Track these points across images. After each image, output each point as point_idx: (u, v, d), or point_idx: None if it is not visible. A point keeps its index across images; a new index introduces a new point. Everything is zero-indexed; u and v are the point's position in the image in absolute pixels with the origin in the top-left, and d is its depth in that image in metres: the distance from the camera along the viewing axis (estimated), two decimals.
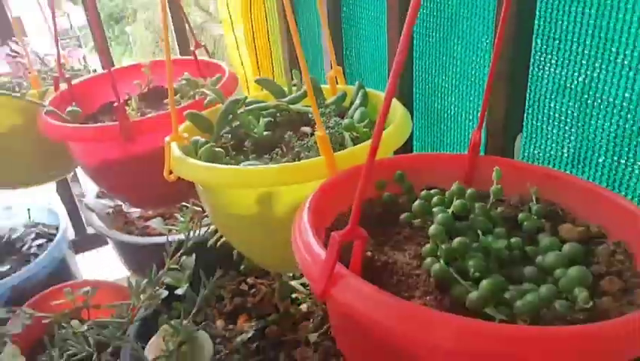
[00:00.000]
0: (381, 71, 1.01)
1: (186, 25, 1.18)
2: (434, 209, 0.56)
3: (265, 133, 0.82)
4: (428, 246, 0.50)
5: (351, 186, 0.61)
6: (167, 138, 0.73)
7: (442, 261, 0.47)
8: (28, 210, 1.39)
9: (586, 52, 0.61)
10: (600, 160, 0.63)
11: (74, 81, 1.06)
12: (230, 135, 0.81)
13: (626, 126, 0.58)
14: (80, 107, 1.01)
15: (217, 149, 0.74)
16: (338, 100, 0.85)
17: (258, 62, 1.38)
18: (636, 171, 0.58)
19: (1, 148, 1.05)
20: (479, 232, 0.53)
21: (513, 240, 0.52)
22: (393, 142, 0.68)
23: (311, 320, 1.05)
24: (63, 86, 1.04)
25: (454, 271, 0.47)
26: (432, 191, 0.60)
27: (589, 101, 0.62)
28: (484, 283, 0.44)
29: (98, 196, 1.35)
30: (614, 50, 0.58)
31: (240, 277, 1.22)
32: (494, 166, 0.61)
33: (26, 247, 1.30)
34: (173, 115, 0.72)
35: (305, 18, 1.29)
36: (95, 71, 1.19)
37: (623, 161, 0.60)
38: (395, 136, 0.69)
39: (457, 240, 0.49)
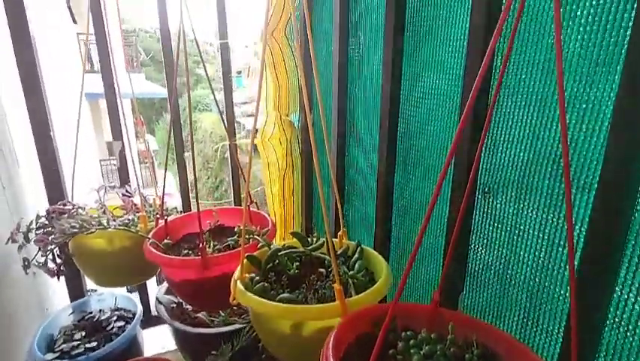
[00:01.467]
0: (370, 232, 1.08)
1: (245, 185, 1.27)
2: (411, 350, 0.61)
3: (296, 272, 0.88)
4: None
5: (354, 325, 0.66)
6: (234, 276, 0.78)
7: None
8: (115, 298, 1.38)
9: (500, 240, 0.69)
10: (514, 318, 0.68)
11: (169, 219, 1.12)
12: (273, 272, 0.86)
13: (530, 300, 0.65)
14: (170, 237, 1.07)
15: (265, 284, 0.79)
16: (344, 252, 0.92)
17: (285, 210, 1.48)
18: (539, 330, 0.64)
19: (113, 262, 1.09)
20: None
21: None
22: (383, 292, 0.74)
23: None
24: (161, 222, 1.10)
25: None
26: (408, 333, 0.66)
27: (505, 278, 0.69)
28: None
29: (166, 293, 1.36)
30: (518, 245, 0.66)
31: None
32: (448, 317, 0.67)
33: (110, 326, 1.28)
34: (241, 262, 0.78)
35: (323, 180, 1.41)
36: (181, 211, 1.27)
37: (529, 322, 0.65)
38: (384, 288, 0.75)
39: None
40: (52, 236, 1.02)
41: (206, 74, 1.16)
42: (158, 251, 0.97)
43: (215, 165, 10.36)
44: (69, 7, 4.84)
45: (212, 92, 1.23)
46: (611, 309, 0.52)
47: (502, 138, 0.66)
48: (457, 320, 0.66)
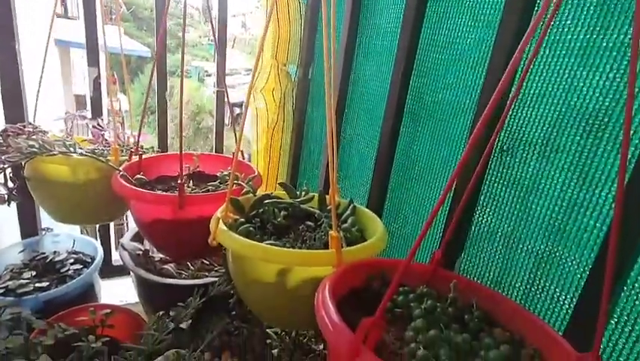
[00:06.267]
0: (365, 192, 1.02)
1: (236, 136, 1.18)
2: (412, 304, 0.55)
3: (283, 221, 0.81)
4: (411, 333, 0.49)
5: (352, 276, 0.60)
6: (218, 213, 0.70)
7: (422, 347, 0.46)
8: (74, 240, 1.26)
9: (512, 203, 0.65)
10: (517, 285, 0.65)
11: (144, 157, 1.02)
12: (258, 219, 0.79)
13: (539, 266, 0.61)
14: (143, 174, 0.97)
15: (250, 228, 0.72)
16: (335, 208, 0.86)
17: (269, 167, 1.40)
18: (542, 298, 0.60)
19: (75, 195, 0.98)
20: (442, 326, 0.53)
21: (464, 335, 0.52)
22: (379, 247, 0.69)
23: None
24: (134, 158, 1.00)
25: (431, 356, 0.45)
26: (406, 288, 0.61)
27: (512, 244, 0.65)
28: None
29: (132, 240, 1.26)
30: (532, 207, 0.62)
31: (229, 319, 1.12)
32: (448, 278, 0.63)
33: (65, 269, 1.16)
34: (226, 201, 0.70)
35: (312, 141, 1.33)
36: (159, 151, 1.16)
37: (534, 288, 0.62)
38: (381, 244, 0.69)
39: (432, 332, 0.48)
40: (6, 155, 0.89)
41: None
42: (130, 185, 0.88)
43: (189, 134, 10.00)
44: None
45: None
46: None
47: (532, 92, 0.61)
48: (458, 282, 0.61)
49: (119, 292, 1.49)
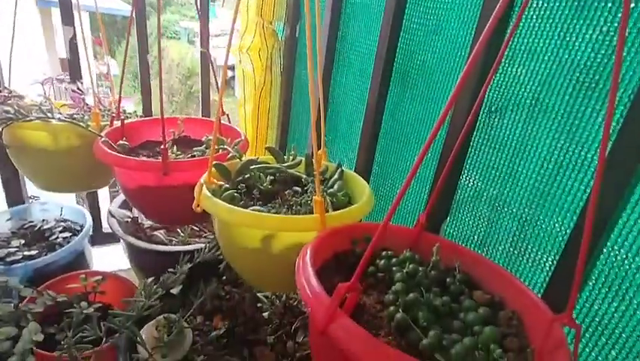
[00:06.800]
0: (353, 155, 1.01)
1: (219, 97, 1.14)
2: (394, 268, 0.56)
3: (269, 187, 0.80)
4: (391, 296, 0.49)
5: (335, 240, 0.60)
6: (202, 180, 0.69)
7: (400, 310, 0.47)
8: (62, 208, 1.25)
9: (499, 166, 0.64)
10: (500, 247, 0.65)
11: (127, 121, 0.99)
12: (243, 185, 0.78)
13: (522, 229, 0.61)
14: (127, 140, 0.94)
15: (235, 193, 0.71)
16: (323, 172, 0.85)
17: (257, 131, 1.37)
18: (527, 259, 0.61)
19: (56, 162, 0.96)
20: (422, 289, 0.53)
21: (444, 298, 0.53)
22: (365, 211, 0.68)
23: (270, 326, 0.99)
24: (116, 124, 0.97)
25: (409, 319, 0.46)
26: (389, 252, 0.61)
27: (497, 207, 0.65)
28: (431, 333, 0.44)
29: (120, 207, 1.25)
30: (519, 170, 0.61)
31: (220, 284, 1.14)
32: (432, 241, 0.63)
33: (54, 237, 1.16)
34: (209, 167, 0.68)
35: (300, 103, 1.30)
36: (141, 116, 1.13)
37: (516, 251, 0.62)
38: (366, 207, 0.69)
39: (411, 295, 0.49)
40: None
41: None
42: (112, 151, 0.85)
43: (181, 99, 9.74)
44: None
45: None
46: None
47: (522, 48, 0.58)
48: (441, 245, 0.61)
49: (111, 259, 1.50)
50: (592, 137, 0.51)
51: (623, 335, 0.48)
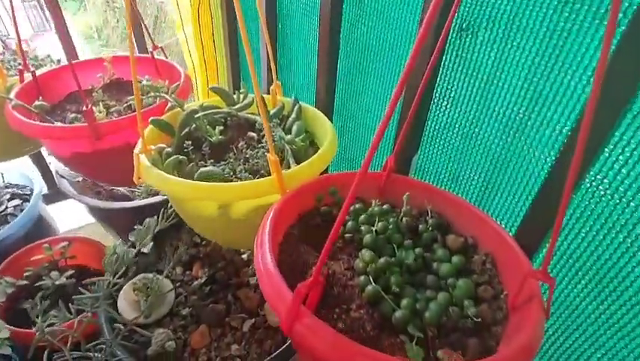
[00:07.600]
0: (311, 88, 0.90)
1: (143, 26, 0.96)
2: (362, 227, 0.52)
3: (220, 137, 0.71)
4: (361, 265, 0.47)
5: (295, 202, 0.55)
6: (135, 150, 0.60)
7: (371, 280, 0.44)
8: (2, 173, 1.14)
9: (472, 93, 0.57)
10: (473, 182, 0.61)
11: (39, 72, 0.83)
12: (190, 141, 0.69)
13: (495, 161, 0.57)
14: (45, 97, 0.81)
15: (181, 157, 0.63)
16: (278, 111, 0.76)
17: (205, 58, 1.20)
18: (500, 194, 0.58)
19: None
20: (394, 246, 0.50)
21: (417, 250, 0.51)
22: (328, 159, 0.62)
23: (250, 267, 1.00)
24: (27, 76, 0.82)
25: (380, 287, 0.44)
26: (357, 206, 0.57)
27: (469, 138, 0.60)
28: (404, 302, 0.42)
29: None
30: (493, 99, 0.55)
31: (193, 231, 1.11)
32: (402, 184, 0.59)
33: (2, 207, 1.07)
34: (141, 132, 0.58)
35: (249, 18, 1.12)
36: (59, 61, 0.95)
37: (489, 186, 0.59)
38: (329, 154, 0.62)
39: (381, 260, 0.46)
40: None
41: None
42: (30, 118, 0.73)
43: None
44: None
45: None
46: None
47: None
48: (411, 187, 0.58)
49: (76, 214, 1.41)
50: (577, 60, 0.44)
51: (594, 268, 0.48)
